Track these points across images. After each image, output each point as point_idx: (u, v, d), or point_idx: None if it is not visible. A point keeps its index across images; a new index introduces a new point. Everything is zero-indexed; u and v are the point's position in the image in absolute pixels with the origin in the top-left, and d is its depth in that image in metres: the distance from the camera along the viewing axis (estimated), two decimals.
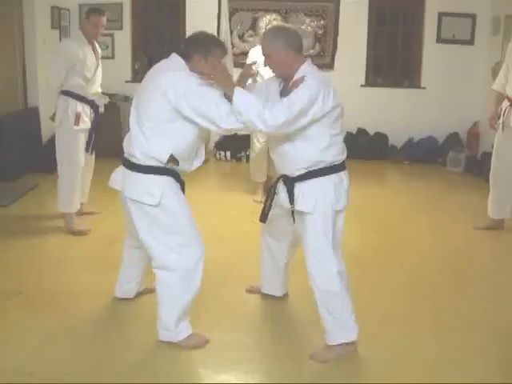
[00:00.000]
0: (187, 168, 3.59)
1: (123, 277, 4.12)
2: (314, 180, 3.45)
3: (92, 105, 5.65)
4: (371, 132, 9.39)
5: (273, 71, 3.60)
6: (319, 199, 3.42)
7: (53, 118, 5.64)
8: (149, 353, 3.55)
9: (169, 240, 3.49)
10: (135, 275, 4.11)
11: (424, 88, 9.46)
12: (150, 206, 3.41)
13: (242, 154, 8.97)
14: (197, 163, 3.66)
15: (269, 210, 3.69)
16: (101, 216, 6.05)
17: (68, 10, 8.79)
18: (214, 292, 4.23)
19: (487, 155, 7.20)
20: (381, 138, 9.39)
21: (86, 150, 5.71)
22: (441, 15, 9.19)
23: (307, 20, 9.29)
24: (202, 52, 3.49)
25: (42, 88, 7.76)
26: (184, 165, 3.52)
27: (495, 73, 6.95)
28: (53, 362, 3.42)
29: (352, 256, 4.22)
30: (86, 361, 3.44)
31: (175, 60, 3.53)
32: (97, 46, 5.74)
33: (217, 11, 9.02)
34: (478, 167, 8.28)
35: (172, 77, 3.36)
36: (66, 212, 5.63)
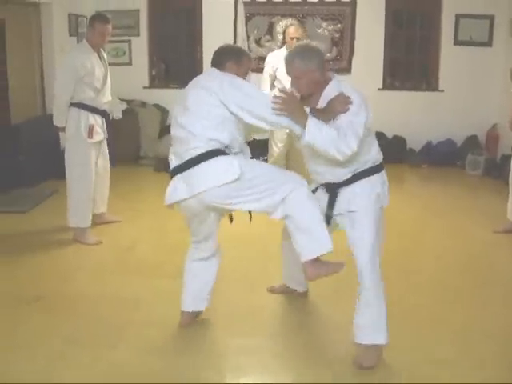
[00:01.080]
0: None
1: (192, 290, 3.94)
2: (361, 181, 3.52)
3: (104, 115, 5.57)
4: (389, 135, 9.35)
5: (299, 91, 3.54)
6: (369, 199, 3.51)
7: (63, 131, 5.49)
8: (168, 358, 3.55)
9: (267, 186, 3.41)
10: (204, 285, 3.95)
11: (442, 91, 9.41)
12: (234, 181, 3.34)
13: (260, 158, 8.95)
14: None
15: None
16: (118, 223, 6.07)
17: (85, 17, 8.82)
18: (233, 296, 4.23)
19: (506, 158, 7.15)
20: (399, 141, 9.35)
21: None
22: (458, 17, 9.14)
23: (324, 24, 9.27)
24: (233, 58, 3.65)
25: None
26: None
27: None
28: (72, 367, 3.43)
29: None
30: (105, 366, 3.45)
31: (213, 70, 3.64)
32: (103, 53, 5.62)
33: (233, 16, 9.04)
34: (498, 170, 8.22)
35: (220, 79, 3.46)
36: (75, 227, 5.57)
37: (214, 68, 3.65)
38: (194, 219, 3.65)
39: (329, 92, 3.45)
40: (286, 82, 6.63)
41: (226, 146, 3.43)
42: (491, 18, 9.08)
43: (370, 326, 3.48)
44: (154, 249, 5.41)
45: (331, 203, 3.54)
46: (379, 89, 9.37)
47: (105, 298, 4.36)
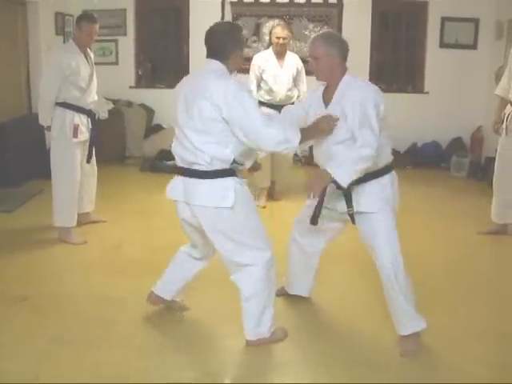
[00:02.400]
0: (241, 168, 3.58)
1: (167, 278, 4.04)
2: (373, 181, 3.61)
3: (89, 114, 5.55)
4: None
5: (316, 73, 3.67)
6: (382, 198, 3.63)
7: (49, 130, 5.49)
8: (153, 357, 3.56)
9: (246, 239, 3.52)
10: (179, 280, 4.03)
11: (427, 93, 9.47)
12: (226, 208, 3.40)
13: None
14: (248, 163, 3.64)
15: (319, 213, 3.68)
16: (104, 223, 6.06)
17: (72, 16, 8.79)
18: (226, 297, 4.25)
19: (491, 160, 7.20)
20: None
21: (87, 161, 5.66)
22: (444, 20, 9.19)
23: (310, 25, 9.29)
24: (238, 47, 3.53)
25: None
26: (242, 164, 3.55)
27: (498, 77, 6.95)
28: (57, 366, 3.43)
29: (353, 260, 4.23)
30: (91, 365, 3.45)
31: (216, 67, 3.46)
32: (90, 53, 5.58)
33: (220, 17, 9.03)
34: (482, 172, 8.29)
35: (224, 87, 3.32)
36: (61, 226, 5.55)
37: (216, 62, 3.46)
38: (186, 225, 3.68)
39: (342, 87, 3.55)
40: (272, 83, 6.66)
41: (233, 162, 3.41)
42: (476, 21, 9.14)
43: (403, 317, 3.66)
44: (140, 248, 5.41)
45: (348, 200, 3.57)
46: None
47: (91, 297, 4.36)
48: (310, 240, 4.04)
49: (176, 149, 3.55)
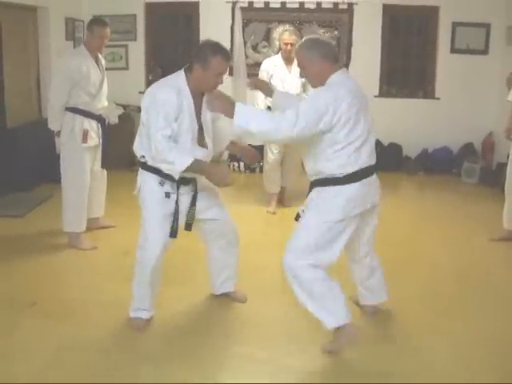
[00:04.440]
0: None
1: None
2: (317, 188, 3.62)
3: (99, 119, 5.55)
4: (385, 143, 9.35)
5: (309, 82, 3.77)
6: (316, 209, 3.58)
7: (58, 135, 5.50)
8: (162, 364, 3.54)
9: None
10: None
11: (438, 98, 9.43)
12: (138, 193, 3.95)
13: (256, 164, 8.96)
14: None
15: None
16: (113, 228, 6.06)
17: (82, 21, 8.84)
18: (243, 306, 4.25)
19: (502, 166, 7.15)
20: (395, 148, 9.36)
21: (102, 166, 5.68)
22: (455, 25, 9.15)
23: (321, 31, 9.27)
24: (199, 61, 3.64)
25: None
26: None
27: (510, 83, 6.92)
28: (66, 372, 3.42)
29: None
30: (99, 372, 3.44)
31: (175, 75, 3.75)
32: (101, 58, 5.59)
33: (230, 22, 9.05)
34: (493, 178, 8.23)
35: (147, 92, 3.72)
36: (70, 231, 5.56)
37: (180, 72, 3.75)
38: None
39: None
40: (280, 88, 6.62)
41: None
42: (488, 27, 9.10)
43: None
44: None
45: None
46: (375, 96, 9.36)
47: (100, 303, 4.36)
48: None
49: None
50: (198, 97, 3.73)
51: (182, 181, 3.74)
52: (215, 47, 3.65)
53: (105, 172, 5.86)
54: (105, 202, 5.99)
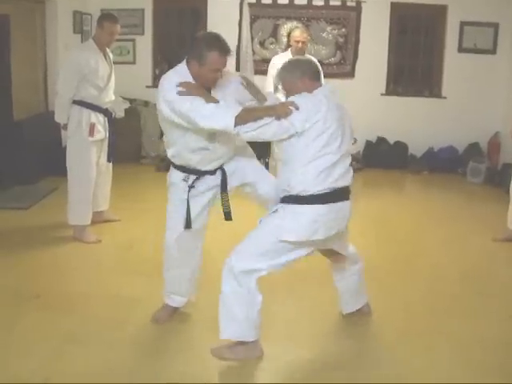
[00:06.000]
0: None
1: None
2: (282, 204, 3.48)
3: (106, 113, 5.56)
4: (391, 141, 9.34)
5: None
6: (275, 224, 3.44)
7: (65, 128, 5.52)
8: (166, 357, 3.55)
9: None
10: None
11: (445, 97, 9.41)
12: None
13: (261, 161, 8.93)
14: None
15: None
16: (119, 222, 6.08)
17: (90, 14, 8.85)
18: None
19: (508, 166, 7.16)
20: (401, 147, 9.34)
21: (108, 160, 5.69)
22: (463, 24, 9.14)
23: (328, 28, 9.27)
24: (194, 55, 3.51)
25: None
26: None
27: None
28: (68, 365, 3.43)
29: (368, 266, 4.20)
30: (102, 365, 3.45)
31: (179, 66, 3.64)
32: (109, 52, 5.60)
33: (238, 18, 9.04)
34: (499, 178, 8.21)
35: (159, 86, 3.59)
36: (75, 224, 5.57)
37: (182, 63, 3.64)
38: None
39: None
40: None
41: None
42: (496, 26, 9.08)
43: None
44: (153, 248, 5.36)
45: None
46: (382, 94, 9.36)
47: (103, 296, 4.37)
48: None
49: None
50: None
51: (206, 172, 3.76)
52: (211, 41, 3.48)
53: (110, 166, 5.86)
54: (110, 195, 5.99)
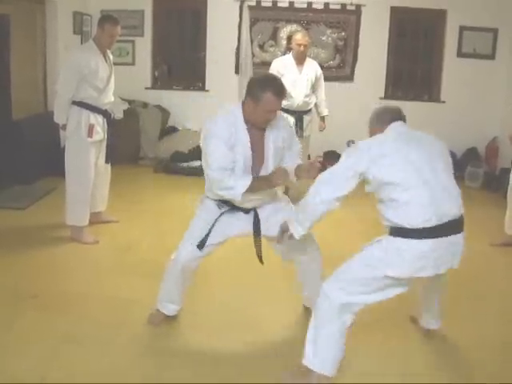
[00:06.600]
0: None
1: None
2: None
3: (105, 115, 5.56)
4: None
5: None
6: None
7: (64, 128, 5.50)
8: (162, 358, 3.55)
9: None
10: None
11: (443, 102, 9.43)
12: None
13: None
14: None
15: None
16: (116, 223, 6.07)
17: (90, 15, 8.85)
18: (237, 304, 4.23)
19: (506, 171, 7.15)
20: None
21: (106, 161, 5.70)
22: (462, 29, 9.15)
23: (328, 31, 9.28)
24: (250, 95, 3.52)
25: None
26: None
27: None
28: (65, 365, 3.43)
29: None
30: (99, 365, 3.45)
31: (236, 106, 3.66)
32: (109, 54, 5.61)
33: (238, 20, 9.05)
34: (496, 183, 8.23)
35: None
36: (73, 225, 5.57)
37: (239, 104, 3.66)
38: None
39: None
40: (290, 88, 6.62)
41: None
42: (495, 31, 9.10)
43: None
44: (151, 249, 5.40)
45: None
46: (381, 98, 9.36)
47: (100, 297, 4.37)
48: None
49: None
50: (254, 127, 3.62)
51: (240, 209, 3.74)
52: (265, 83, 3.51)
53: (109, 166, 5.86)
54: (108, 196, 5.99)
